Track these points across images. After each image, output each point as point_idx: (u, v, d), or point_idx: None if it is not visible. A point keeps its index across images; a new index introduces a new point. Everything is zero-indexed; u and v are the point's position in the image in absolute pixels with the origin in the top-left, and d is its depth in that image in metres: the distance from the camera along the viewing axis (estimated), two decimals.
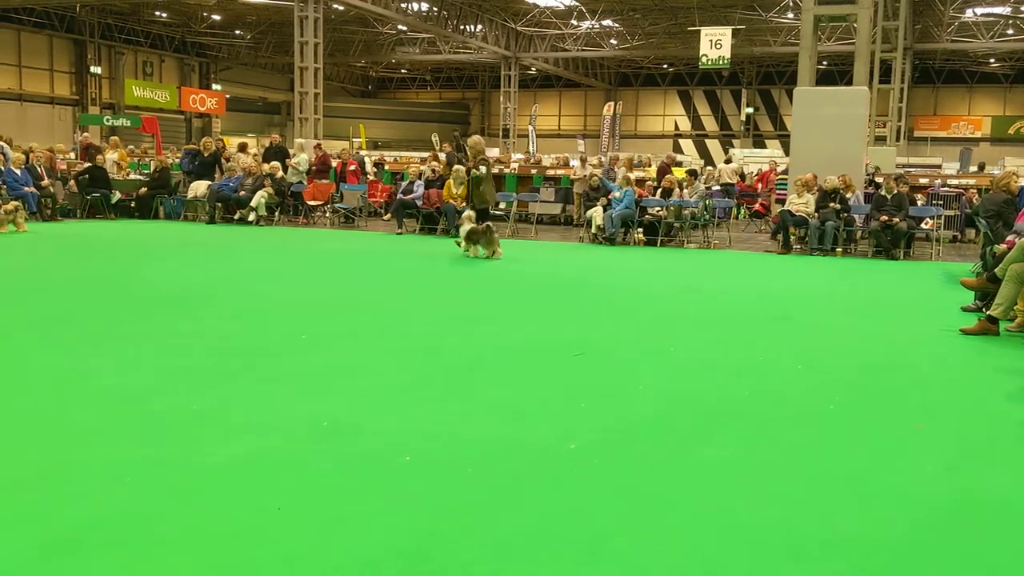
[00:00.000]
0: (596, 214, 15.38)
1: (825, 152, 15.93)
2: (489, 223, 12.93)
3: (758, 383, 5.57)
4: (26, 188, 15.95)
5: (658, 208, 15.51)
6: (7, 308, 7.69)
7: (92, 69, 40.50)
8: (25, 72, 38.19)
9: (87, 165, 18.29)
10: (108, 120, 33.44)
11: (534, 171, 21.40)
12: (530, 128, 42.35)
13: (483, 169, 14.01)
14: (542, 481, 3.75)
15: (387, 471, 3.82)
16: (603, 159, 22.37)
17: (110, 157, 19.83)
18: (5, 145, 17.96)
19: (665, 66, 51.69)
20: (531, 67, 47.23)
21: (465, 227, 12.64)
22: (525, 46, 42.20)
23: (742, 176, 23.58)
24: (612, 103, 46.09)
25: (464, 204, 14.50)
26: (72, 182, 17.82)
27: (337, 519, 3.30)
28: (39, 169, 16.91)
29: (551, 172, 21.13)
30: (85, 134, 24.50)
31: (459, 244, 12.71)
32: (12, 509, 3.30)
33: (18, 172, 16.09)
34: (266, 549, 3.03)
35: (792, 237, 14.79)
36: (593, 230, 15.42)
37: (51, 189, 16.91)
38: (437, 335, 7.00)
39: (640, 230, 15.44)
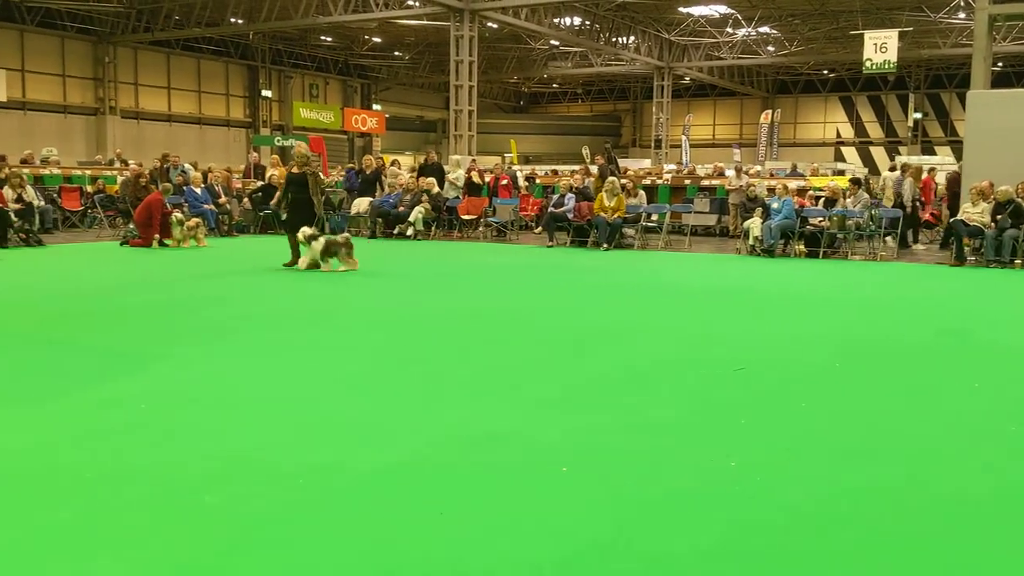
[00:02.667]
0: (754, 225, 14.99)
1: (1002, 158, 14.94)
2: (347, 234, 12.29)
3: (937, 404, 5.26)
4: (205, 206, 17.04)
5: (820, 218, 14.96)
6: (186, 317, 8.20)
7: (263, 93, 42.86)
8: (204, 97, 40.82)
9: (260, 184, 19.35)
10: (278, 141, 35.26)
11: (688, 182, 21.09)
12: (683, 138, 41.75)
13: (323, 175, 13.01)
14: (702, 498, 3.67)
15: (544, 480, 3.83)
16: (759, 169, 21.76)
17: (271, 175, 20.87)
18: (188, 166, 19.27)
19: (826, 72, 49.87)
20: (685, 76, 46.60)
21: (320, 241, 11.69)
22: (679, 56, 41.69)
23: None
24: (770, 111, 44.82)
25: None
26: (246, 200, 18.92)
27: (497, 527, 3.33)
28: (217, 188, 18.03)
29: (706, 182, 20.76)
30: (253, 154, 25.85)
31: (309, 263, 11.68)
32: (185, 508, 3.51)
33: (198, 191, 17.22)
34: (428, 553, 3.09)
35: (966, 248, 13.93)
36: (751, 241, 15.03)
37: (228, 206, 18.00)
38: (590, 346, 6.98)
39: (801, 242, 14.93)
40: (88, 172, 21.48)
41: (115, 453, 4.13)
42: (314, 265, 11.62)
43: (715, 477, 3.92)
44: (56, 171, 20.72)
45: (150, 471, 3.88)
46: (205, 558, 3.05)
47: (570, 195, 16.79)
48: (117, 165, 22.97)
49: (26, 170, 18.47)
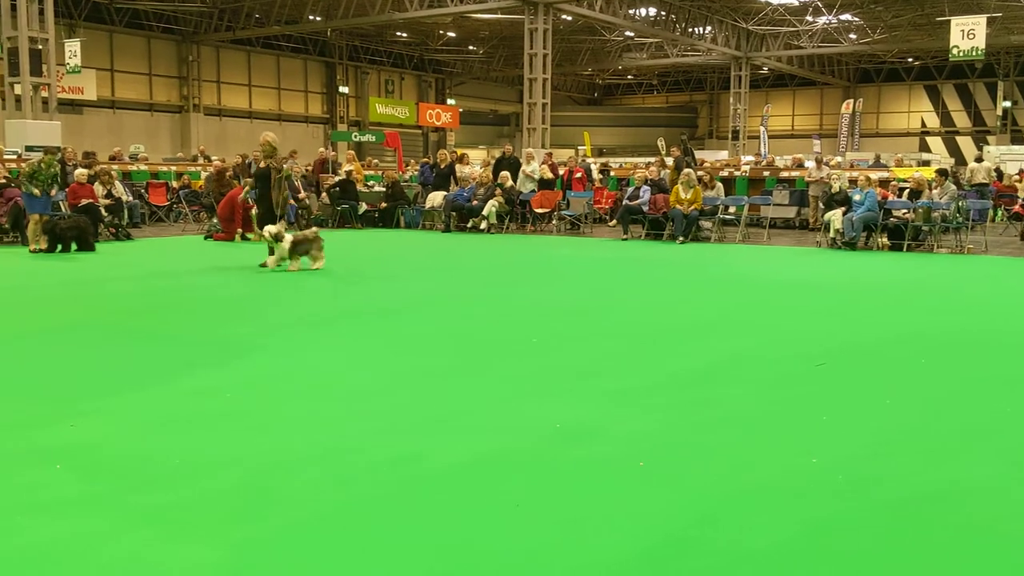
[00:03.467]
0: (835, 217, 14.65)
1: None
2: (315, 228, 11.74)
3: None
4: None
5: (904, 211, 14.54)
6: (271, 309, 8.39)
7: (340, 89, 43.54)
8: (283, 94, 41.67)
9: (339, 179, 19.68)
10: (355, 136, 35.78)
11: (766, 173, 20.72)
12: (762, 129, 40.97)
13: (285, 168, 11.87)
14: (782, 495, 3.62)
15: (621, 475, 3.82)
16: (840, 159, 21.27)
17: (345, 170, 21.16)
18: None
19: (910, 59, 48.39)
20: (763, 66, 45.75)
21: (288, 237, 11.06)
22: (756, 45, 40.94)
23: (999, 175, 21.65)
24: (851, 100, 43.70)
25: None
26: (325, 194, 19.26)
27: (574, 520, 3.34)
28: (296, 183, 18.38)
29: (785, 174, 20.36)
30: (321, 149, 26.20)
31: (277, 261, 11.10)
32: (275, 491, 3.59)
33: None
34: (507, 545, 3.12)
35: None
36: (832, 234, 14.70)
37: (307, 201, 18.34)
38: (667, 340, 6.93)
39: (884, 234, 14.54)
40: (174, 168, 22.14)
41: (203, 441, 4.25)
42: (282, 260, 11.07)
43: (795, 474, 3.85)
44: (143, 167, 21.40)
45: (238, 460, 3.99)
46: (288, 544, 3.12)
47: (645, 187, 16.65)
48: (201, 161, 23.60)
49: (115, 166, 19.12)
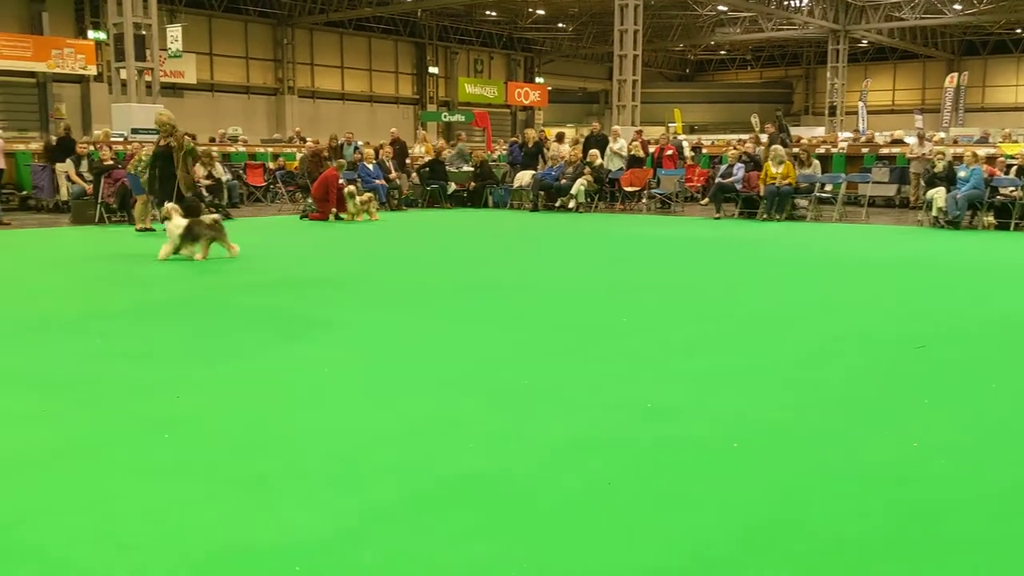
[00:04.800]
0: (938, 195, 14.11)
1: None
2: (217, 216, 10.50)
3: None
4: (377, 181, 17.66)
5: (1012, 188, 13.91)
6: (365, 287, 8.55)
7: (430, 69, 43.87)
8: (374, 75, 42.22)
9: (429, 159, 19.88)
10: (444, 116, 36.06)
11: (865, 150, 20.08)
12: (860, 104, 39.70)
13: (193, 144, 11.13)
14: (880, 480, 3.52)
15: (715, 456, 3.78)
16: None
17: (417, 150, 21.32)
18: (361, 144, 20.03)
19: (1019, 31, 46.07)
20: (862, 40, 44.24)
21: (176, 221, 9.74)
22: (855, 18, 39.59)
23: None
24: (955, 74, 41.93)
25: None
26: (415, 174, 19.48)
27: (665, 499, 3.32)
28: (388, 164, 18.64)
29: (884, 151, 19.70)
30: (393, 129, 26.24)
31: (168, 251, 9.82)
32: (378, 461, 3.68)
33: (371, 167, 17.85)
34: (596, 522, 3.12)
35: None
36: (934, 213, 14.17)
37: (398, 181, 18.59)
38: (763, 321, 6.80)
39: (990, 213, 13.95)
40: (270, 149, 22.70)
41: (302, 413, 4.37)
42: (177, 251, 9.84)
43: (894, 459, 3.75)
44: (241, 149, 22.00)
45: (337, 431, 4.09)
46: (384, 517, 3.19)
47: (739, 165, 16.34)
48: (296, 142, 24.13)
49: (214, 148, 19.71)
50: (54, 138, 18.03)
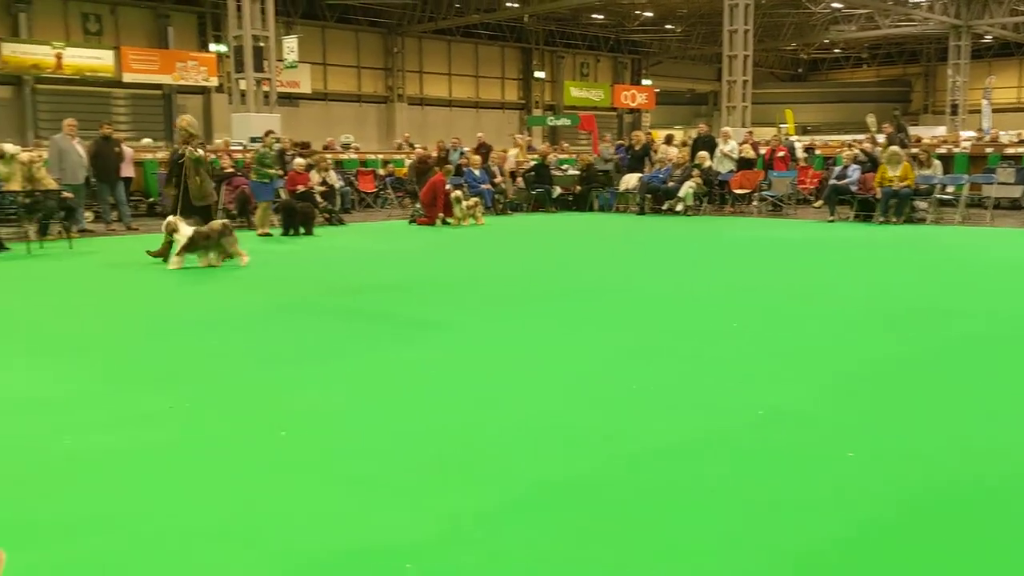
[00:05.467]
0: None
1: None
2: (226, 221, 10.31)
3: None
4: (483, 186, 17.84)
5: None
6: (471, 290, 8.65)
7: (536, 74, 44.06)
8: (481, 81, 42.69)
9: (534, 163, 19.96)
10: (550, 120, 36.17)
11: (989, 150, 19.16)
12: (984, 102, 37.88)
13: (201, 152, 10.80)
14: (998, 491, 3.36)
15: (827, 463, 3.67)
16: None
17: (512, 154, 21.35)
18: (467, 149, 20.28)
19: None
20: (985, 35, 42.25)
21: (182, 231, 9.65)
22: (978, 12, 37.85)
23: None
24: None
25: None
26: (520, 179, 19.59)
27: (774, 505, 3.25)
28: (493, 169, 18.82)
29: (1010, 150, 18.76)
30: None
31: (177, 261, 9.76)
32: (483, 463, 3.72)
33: (477, 172, 18.05)
34: (704, 527, 3.08)
35: None
36: None
37: (503, 186, 18.73)
38: (882, 325, 6.57)
39: None
40: (380, 156, 23.20)
41: (408, 414, 4.45)
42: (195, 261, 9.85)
43: (1019, 472, 3.56)
44: (353, 156, 22.56)
45: (441, 432, 4.15)
46: (487, 518, 3.22)
47: (854, 166, 15.82)
48: (405, 149, 24.59)
49: (328, 155, 20.26)
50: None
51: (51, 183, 12.84)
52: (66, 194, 13.06)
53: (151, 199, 17.85)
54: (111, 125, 16.26)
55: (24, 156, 12.70)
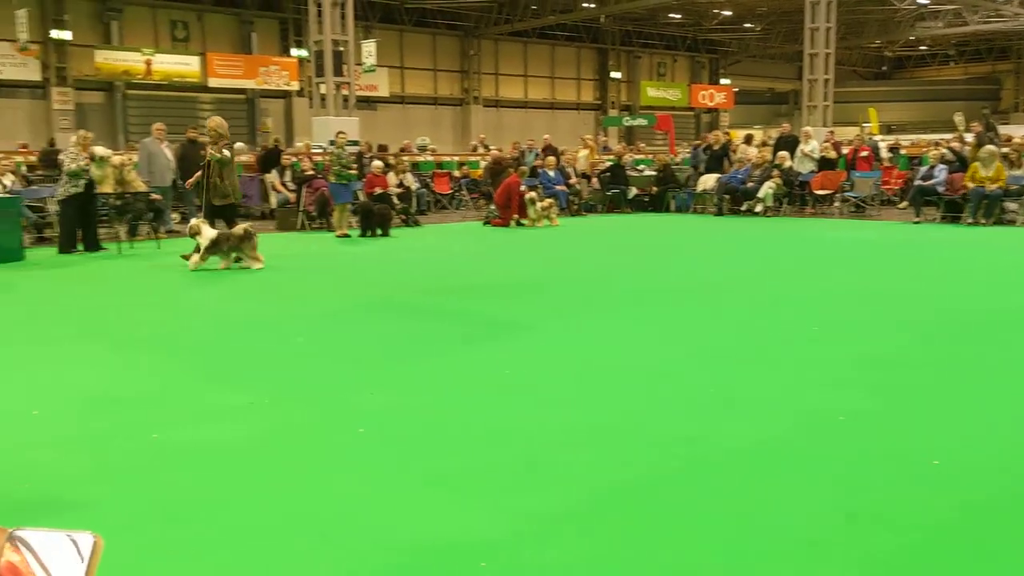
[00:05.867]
0: None
1: None
2: (248, 226, 10.21)
3: None
4: (558, 187, 17.84)
5: None
6: (548, 292, 8.66)
7: (612, 75, 43.85)
8: (556, 82, 42.67)
9: (609, 164, 19.87)
10: (626, 121, 35.97)
11: None
12: None
13: (226, 153, 10.79)
14: None
15: (908, 470, 3.58)
16: None
17: (582, 155, 21.18)
18: (538, 150, 20.29)
19: None
20: None
21: (205, 233, 9.74)
22: None
23: None
24: None
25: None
26: (595, 179, 19.53)
27: (853, 514, 3.18)
28: (568, 170, 18.80)
29: None
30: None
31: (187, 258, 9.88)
32: (558, 463, 3.72)
33: (552, 174, 18.05)
34: (780, 533, 3.03)
35: None
36: None
37: (578, 187, 18.70)
38: (969, 333, 6.37)
39: None
40: (456, 158, 23.39)
41: (486, 413, 4.48)
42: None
43: None
44: (429, 158, 22.79)
45: (519, 432, 4.17)
46: (564, 521, 3.22)
47: (940, 166, 15.35)
48: (480, 151, 24.73)
49: (405, 158, 20.52)
50: (259, 149, 19.34)
51: (141, 185, 13.28)
52: (155, 196, 13.52)
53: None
54: (197, 129, 16.74)
55: (116, 159, 13.16)
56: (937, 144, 17.89)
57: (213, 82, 30.47)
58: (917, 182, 15.75)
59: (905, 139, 27.70)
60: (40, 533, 0.83)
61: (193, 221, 10.14)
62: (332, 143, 17.04)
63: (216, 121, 11.09)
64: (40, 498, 3.47)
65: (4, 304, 8.38)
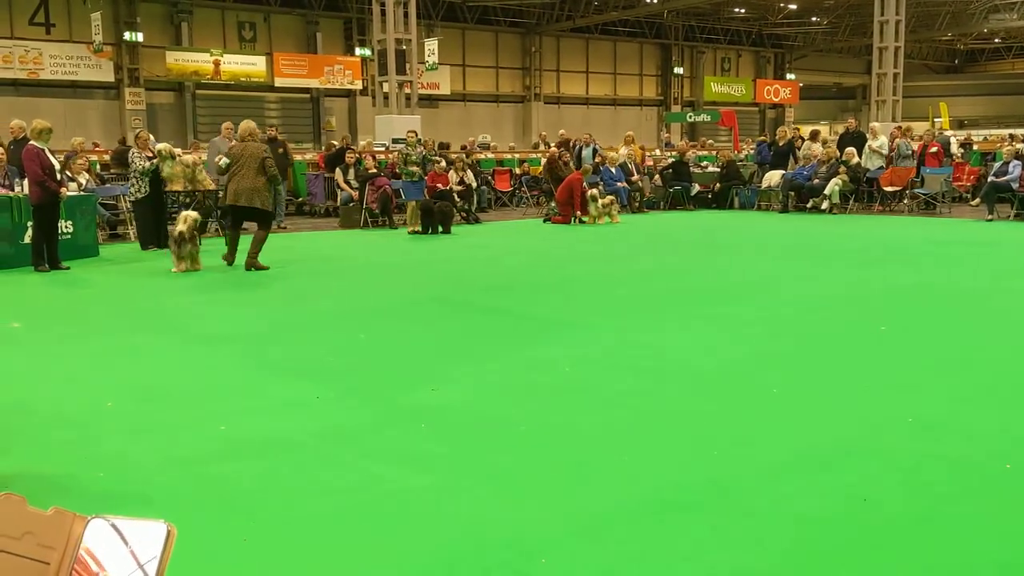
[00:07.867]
0: None
1: None
2: (184, 228, 9.69)
3: None
4: (619, 184, 17.75)
5: None
6: (606, 290, 8.63)
7: (675, 70, 43.44)
8: (618, 78, 42.42)
9: (671, 160, 19.70)
10: (689, 116, 35.65)
11: None
12: None
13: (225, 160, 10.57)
14: None
15: (982, 475, 3.49)
16: None
17: (623, 152, 20.95)
18: (599, 146, 20.20)
19: None
20: None
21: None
22: None
23: None
24: None
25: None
26: (657, 176, 19.38)
27: (926, 519, 3.12)
28: (630, 166, 18.68)
29: None
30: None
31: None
32: (612, 462, 3.72)
33: (613, 170, 17.97)
34: (845, 538, 2.99)
35: None
36: None
37: (639, 184, 18.57)
38: None
39: None
40: (516, 155, 23.42)
41: (544, 410, 4.50)
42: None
43: None
44: (490, 155, 22.86)
45: (587, 430, 4.17)
46: (621, 521, 3.22)
47: (1015, 162, 14.90)
48: (541, 148, 24.71)
49: (465, 155, 20.61)
50: (324, 148, 19.62)
51: (210, 184, 13.57)
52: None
53: (299, 199, 18.63)
54: (275, 127, 17.02)
55: (188, 158, 13.47)
56: (1011, 139, 17.34)
57: (279, 82, 30.99)
58: (990, 178, 15.31)
59: (977, 134, 26.92)
60: (116, 521, 0.86)
61: (183, 213, 10.15)
62: (398, 141, 17.25)
63: (250, 126, 11.12)
64: (114, 487, 3.59)
65: (80, 299, 8.66)
